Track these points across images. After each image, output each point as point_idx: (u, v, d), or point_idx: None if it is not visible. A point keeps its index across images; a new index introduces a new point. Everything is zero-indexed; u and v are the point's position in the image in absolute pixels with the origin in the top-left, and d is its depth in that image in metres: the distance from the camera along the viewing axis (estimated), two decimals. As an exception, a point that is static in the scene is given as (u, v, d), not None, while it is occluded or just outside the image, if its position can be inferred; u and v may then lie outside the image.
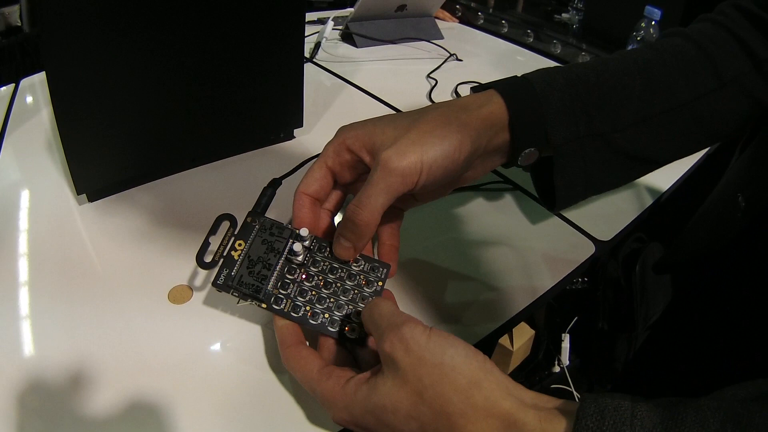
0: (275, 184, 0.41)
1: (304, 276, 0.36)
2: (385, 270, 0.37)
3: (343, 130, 0.36)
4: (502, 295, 0.46)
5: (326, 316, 0.34)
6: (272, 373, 0.36)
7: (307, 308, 0.34)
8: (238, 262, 0.35)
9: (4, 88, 0.68)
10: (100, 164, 0.48)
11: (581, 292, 0.76)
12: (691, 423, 0.22)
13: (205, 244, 0.37)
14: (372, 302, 0.32)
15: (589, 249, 0.53)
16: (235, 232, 0.37)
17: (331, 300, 0.35)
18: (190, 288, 0.42)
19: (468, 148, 0.34)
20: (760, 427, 0.21)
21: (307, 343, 0.34)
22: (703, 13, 0.44)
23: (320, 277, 0.36)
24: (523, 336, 0.75)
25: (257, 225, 0.37)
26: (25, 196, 0.50)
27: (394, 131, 0.33)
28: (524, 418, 0.24)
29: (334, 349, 0.34)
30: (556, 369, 0.86)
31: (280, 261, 0.36)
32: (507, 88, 0.36)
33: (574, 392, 0.85)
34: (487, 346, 0.43)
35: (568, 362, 0.84)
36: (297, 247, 0.35)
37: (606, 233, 0.55)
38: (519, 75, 0.38)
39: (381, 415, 0.27)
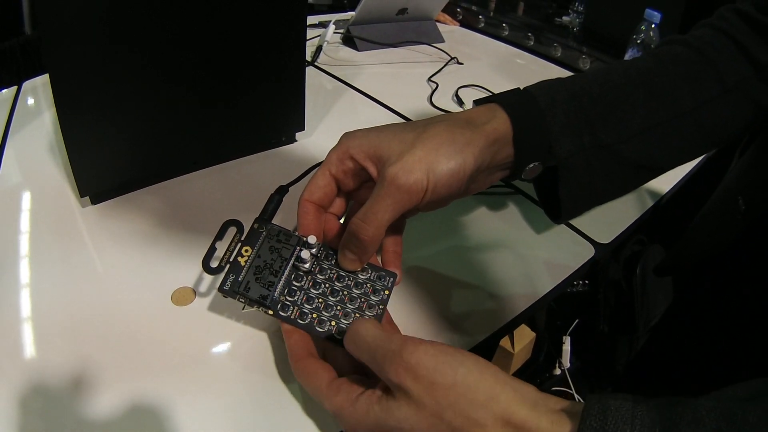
0: (282, 191, 0.41)
1: (311, 283, 0.36)
2: (391, 279, 0.37)
3: (346, 138, 0.36)
4: (503, 298, 0.46)
5: (333, 323, 0.34)
6: (276, 375, 0.37)
7: (314, 315, 0.35)
8: (245, 268, 0.36)
9: (6, 90, 0.68)
10: (102, 167, 0.48)
11: (582, 295, 0.76)
12: (687, 422, 0.22)
13: (212, 250, 0.37)
14: (351, 330, 0.30)
15: (589, 252, 0.53)
16: (242, 238, 0.37)
17: (338, 308, 0.35)
18: (193, 290, 0.42)
19: (472, 165, 0.34)
20: (753, 425, 0.22)
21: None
22: (703, 16, 0.45)
23: (327, 285, 0.36)
24: (524, 338, 0.75)
25: (264, 232, 0.37)
26: (27, 199, 0.50)
27: (400, 145, 0.34)
28: (538, 424, 0.25)
29: (343, 357, 0.34)
30: (557, 371, 0.86)
31: (287, 268, 0.36)
32: (511, 102, 0.37)
33: (575, 395, 0.85)
34: (488, 348, 0.43)
35: (569, 364, 0.84)
36: (305, 254, 0.35)
37: (606, 236, 0.55)
38: (521, 88, 0.38)
39: None
